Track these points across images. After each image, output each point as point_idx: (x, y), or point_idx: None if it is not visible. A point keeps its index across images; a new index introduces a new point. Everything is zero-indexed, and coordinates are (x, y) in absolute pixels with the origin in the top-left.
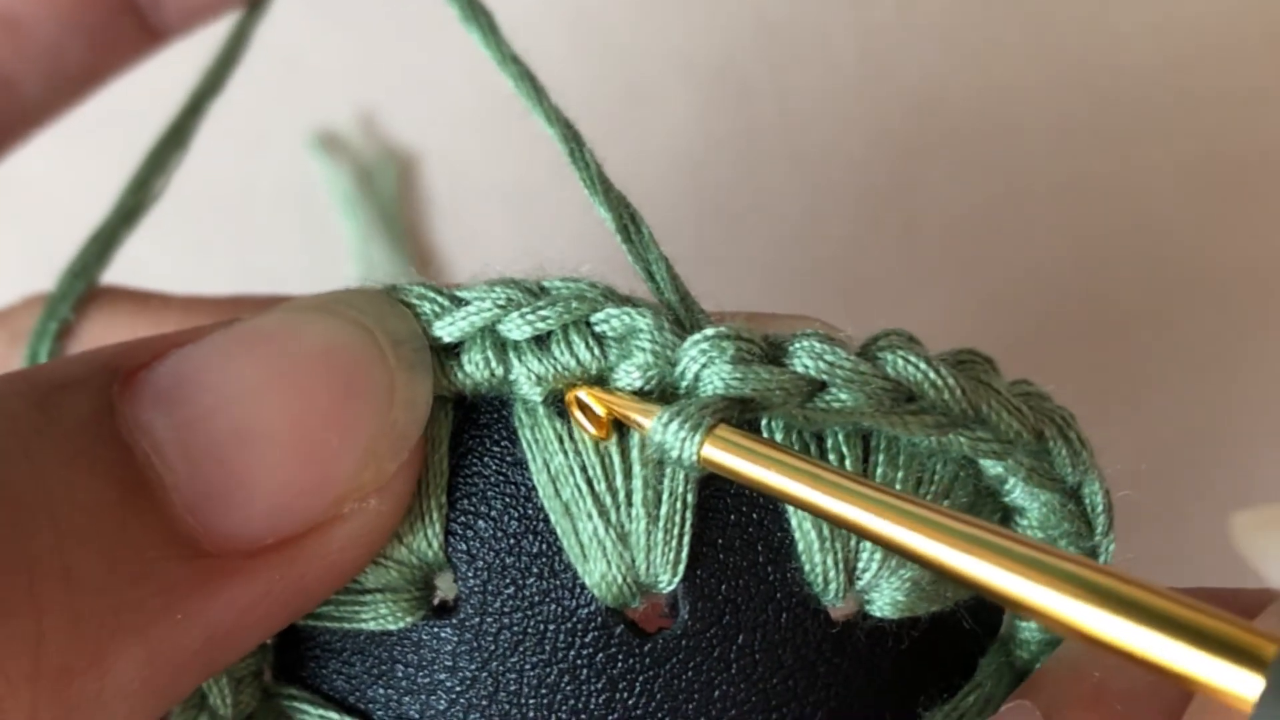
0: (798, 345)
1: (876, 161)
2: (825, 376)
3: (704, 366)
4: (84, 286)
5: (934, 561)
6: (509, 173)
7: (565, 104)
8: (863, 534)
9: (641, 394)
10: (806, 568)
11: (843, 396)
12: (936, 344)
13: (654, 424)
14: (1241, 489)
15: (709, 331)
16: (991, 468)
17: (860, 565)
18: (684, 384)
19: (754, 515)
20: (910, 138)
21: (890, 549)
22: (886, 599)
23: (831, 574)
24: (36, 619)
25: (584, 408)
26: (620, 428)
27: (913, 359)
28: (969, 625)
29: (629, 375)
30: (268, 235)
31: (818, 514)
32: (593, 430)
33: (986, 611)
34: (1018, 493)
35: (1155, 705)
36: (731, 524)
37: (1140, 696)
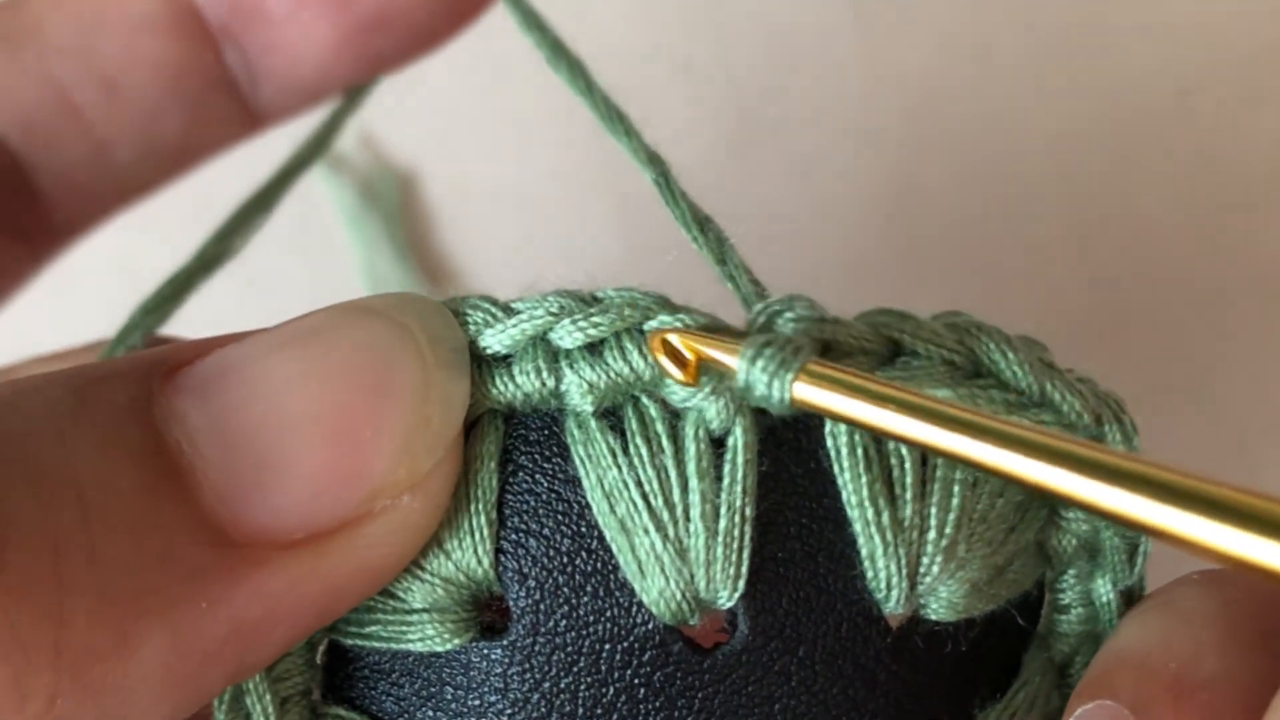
0: (872, 311)
1: (875, 164)
2: (906, 337)
3: (775, 319)
4: (155, 323)
5: (1066, 494)
6: (508, 182)
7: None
8: (981, 468)
9: (727, 332)
10: (869, 574)
11: (917, 363)
12: None
13: (739, 361)
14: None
15: (776, 298)
16: None
17: (922, 569)
18: None
19: (814, 526)
20: (909, 140)
21: (1018, 483)
22: (944, 602)
23: (895, 579)
24: (59, 597)
25: (670, 352)
26: (672, 426)
27: (985, 327)
28: (1021, 622)
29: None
30: (273, 252)
31: (936, 451)
32: (679, 376)
33: (1032, 607)
34: None
35: (1234, 692)
36: (791, 535)
37: (1219, 684)
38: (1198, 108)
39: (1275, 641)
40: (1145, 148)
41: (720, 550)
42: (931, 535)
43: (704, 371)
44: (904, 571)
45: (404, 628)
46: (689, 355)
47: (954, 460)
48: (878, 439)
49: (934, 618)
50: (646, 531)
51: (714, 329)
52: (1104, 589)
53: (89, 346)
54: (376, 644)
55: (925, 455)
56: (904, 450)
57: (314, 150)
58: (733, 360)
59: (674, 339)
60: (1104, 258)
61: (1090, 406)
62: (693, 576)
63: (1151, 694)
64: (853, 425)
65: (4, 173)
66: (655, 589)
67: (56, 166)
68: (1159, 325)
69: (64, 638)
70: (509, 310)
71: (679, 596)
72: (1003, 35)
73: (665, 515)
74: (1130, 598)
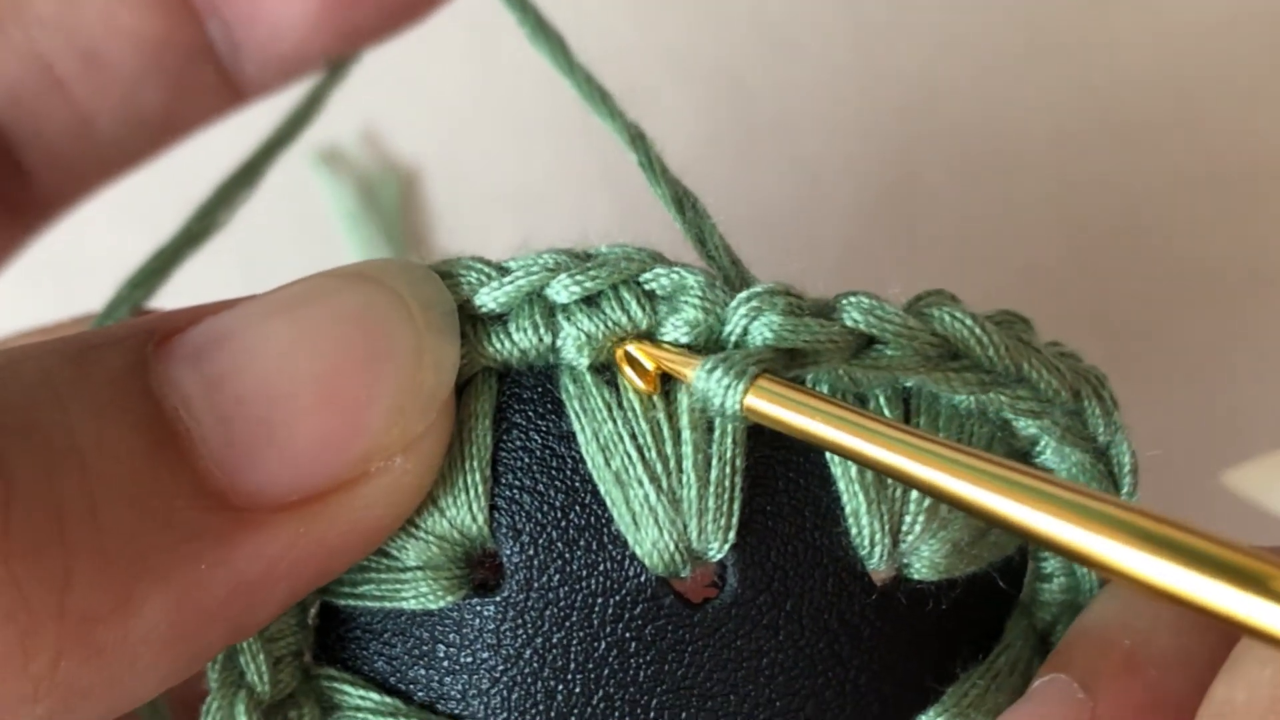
0: (846, 302)
1: (874, 161)
2: (875, 331)
3: (753, 320)
4: (142, 297)
5: (982, 508)
6: (508, 182)
7: (562, 103)
8: (911, 482)
9: (688, 348)
10: (854, 531)
11: (890, 352)
12: None
13: (697, 372)
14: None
15: (758, 288)
16: (1026, 427)
17: (904, 527)
18: (732, 338)
19: (801, 480)
20: (907, 138)
21: (939, 497)
22: (926, 561)
23: (878, 536)
24: (64, 558)
25: (632, 363)
26: (667, 384)
27: (959, 315)
28: (1001, 586)
29: (677, 330)
30: (271, 251)
31: (865, 463)
32: (641, 385)
33: (1014, 571)
34: (1049, 454)
35: (1185, 670)
36: (779, 489)
37: (1171, 662)
38: (1197, 107)
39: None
40: (1144, 147)
41: (712, 500)
42: (914, 494)
43: (665, 380)
44: (887, 529)
45: (398, 586)
46: (650, 365)
47: (893, 477)
48: (861, 398)
49: (917, 577)
50: (641, 483)
51: (674, 333)
52: None
53: (77, 320)
54: (369, 603)
55: (908, 416)
56: (885, 410)
57: (297, 124)
58: (690, 373)
59: (633, 350)
60: (1103, 256)
61: (1068, 383)
62: (686, 527)
63: (1101, 668)
64: (803, 438)
65: None
66: (649, 540)
67: (41, 139)
68: (1159, 323)
69: (68, 599)
70: (503, 269)
71: (672, 547)
72: (1002, 34)
73: (659, 467)
74: None
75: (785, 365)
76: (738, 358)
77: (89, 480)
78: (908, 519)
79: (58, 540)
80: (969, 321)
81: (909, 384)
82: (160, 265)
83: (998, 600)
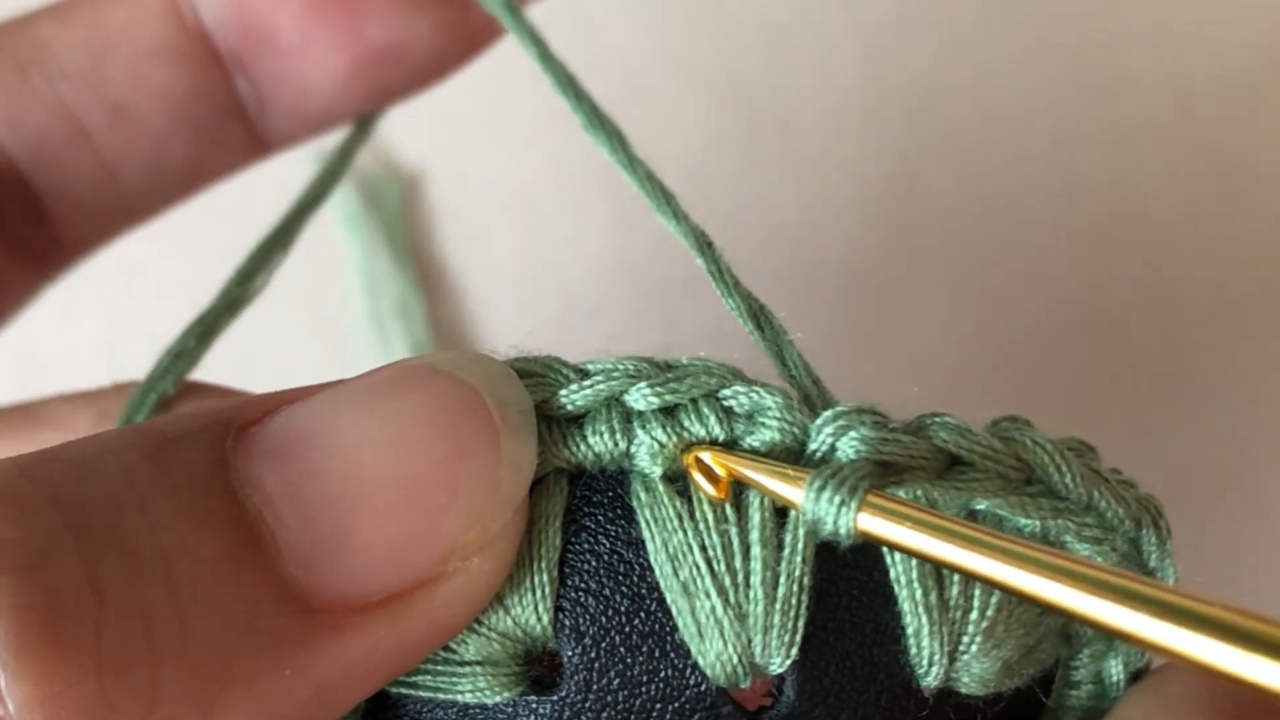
0: (934, 422)
1: (876, 163)
2: (963, 452)
3: (840, 436)
4: (185, 367)
5: (1112, 627)
6: (512, 187)
7: (563, 104)
8: (1038, 602)
9: (766, 455)
10: (913, 650)
11: (974, 474)
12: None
13: (805, 492)
14: (1241, 492)
15: (844, 407)
16: (1082, 550)
17: (961, 647)
18: (818, 455)
19: (864, 599)
20: (910, 140)
21: (1068, 616)
22: (975, 678)
23: (937, 656)
24: (153, 671)
25: (703, 469)
26: (739, 493)
27: (1040, 441)
28: (1043, 699)
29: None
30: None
31: (984, 581)
32: (712, 491)
33: (1047, 679)
34: None
35: None
36: (842, 606)
37: None
38: (1197, 108)
39: (1257, 716)
40: (1145, 148)
41: (778, 617)
42: (974, 616)
43: (736, 488)
44: (945, 649)
45: (455, 679)
46: (721, 472)
47: (1005, 592)
48: None
49: (964, 691)
50: (708, 595)
51: (752, 451)
52: (1115, 669)
53: (119, 386)
54: (423, 693)
55: None
56: None
57: (327, 184)
58: (773, 484)
59: (707, 457)
60: (1103, 258)
61: (1132, 512)
62: (750, 641)
63: None
64: (912, 555)
65: (13, 193)
66: (713, 652)
67: (65, 188)
68: (1159, 325)
69: (155, 709)
70: (582, 372)
71: (735, 660)
72: (1003, 36)
73: (727, 580)
74: (1137, 677)
75: (880, 478)
76: (846, 474)
77: (175, 588)
78: (965, 639)
79: (147, 653)
80: (1050, 448)
81: (980, 506)
82: (202, 335)
83: (1031, 709)
